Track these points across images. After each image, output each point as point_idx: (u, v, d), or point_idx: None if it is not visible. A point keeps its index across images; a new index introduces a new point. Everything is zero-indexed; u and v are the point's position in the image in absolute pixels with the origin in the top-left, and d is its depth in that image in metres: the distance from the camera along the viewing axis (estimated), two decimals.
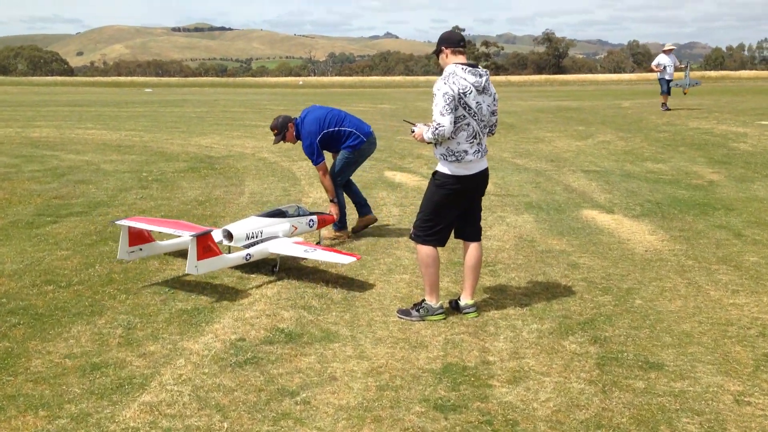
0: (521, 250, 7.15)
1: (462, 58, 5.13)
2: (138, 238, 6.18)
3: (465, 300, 5.36)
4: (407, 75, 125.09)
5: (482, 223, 7.87)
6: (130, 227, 6.10)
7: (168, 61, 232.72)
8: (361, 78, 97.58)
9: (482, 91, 5.09)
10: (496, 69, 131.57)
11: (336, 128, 7.57)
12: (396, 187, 10.77)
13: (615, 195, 9.84)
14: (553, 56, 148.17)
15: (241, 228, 6.52)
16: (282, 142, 7.60)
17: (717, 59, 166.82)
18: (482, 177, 5.24)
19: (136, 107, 30.66)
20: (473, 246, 5.36)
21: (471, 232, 5.40)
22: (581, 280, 6.16)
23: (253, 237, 6.53)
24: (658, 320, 5.21)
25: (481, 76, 5.07)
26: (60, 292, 5.91)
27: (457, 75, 5.00)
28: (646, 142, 15.46)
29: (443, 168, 5.14)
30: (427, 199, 5.24)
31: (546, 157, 13.77)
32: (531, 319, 5.25)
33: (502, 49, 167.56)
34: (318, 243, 7.30)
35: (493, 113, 5.24)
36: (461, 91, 4.97)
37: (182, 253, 6.72)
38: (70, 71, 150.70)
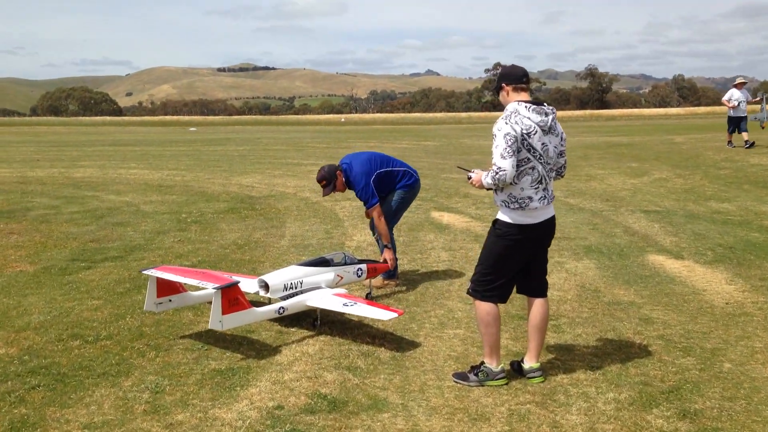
0: (585, 301, 6.52)
1: (525, 96, 4.62)
2: (168, 288, 5.76)
3: (530, 363, 4.76)
4: (448, 111, 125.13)
5: None
6: (158, 277, 5.67)
7: (213, 100, 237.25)
8: (402, 115, 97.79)
9: (548, 131, 4.56)
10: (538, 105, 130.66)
11: (388, 168, 7.14)
12: (444, 229, 10.22)
13: (681, 238, 9.14)
14: (596, 91, 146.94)
15: (278, 278, 6.01)
16: (332, 192, 7.07)
17: (766, 92, 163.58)
18: (548, 226, 4.69)
19: (180, 146, 30.81)
20: (538, 302, 4.78)
21: (536, 286, 4.81)
22: (657, 337, 5.51)
23: (291, 288, 6.00)
24: (754, 389, 4.53)
25: (547, 114, 4.55)
26: (86, 348, 5.46)
27: (520, 114, 4.48)
28: (706, 180, 14.68)
29: (505, 216, 4.60)
30: (487, 250, 4.70)
31: (600, 196, 13.10)
32: (606, 386, 4.62)
33: (544, 84, 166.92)
34: (368, 294, 6.78)
35: (560, 154, 4.71)
36: (525, 131, 4.44)
37: None
38: (119, 111, 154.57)
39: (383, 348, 5.40)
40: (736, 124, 20.21)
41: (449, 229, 10.17)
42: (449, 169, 18.44)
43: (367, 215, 7.23)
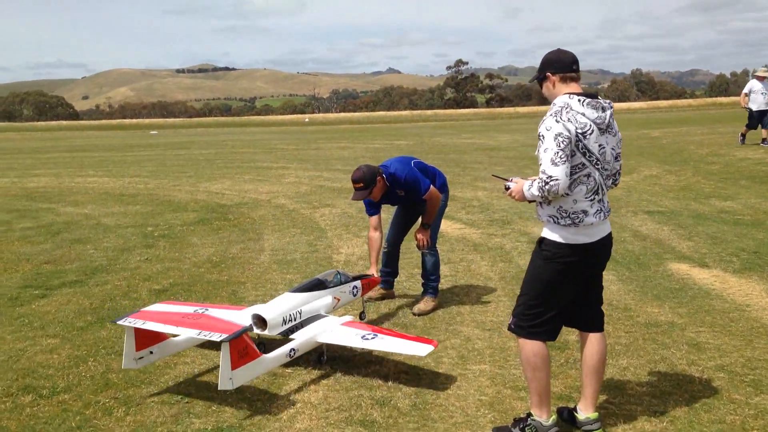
0: (619, 322, 5.73)
1: (575, 87, 3.79)
2: (147, 338, 4.78)
3: (586, 413, 3.93)
4: (412, 109, 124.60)
5: None
6: (135, 328, 4.69)
7: (173, 102, 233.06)
8: (366, 114, 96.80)
9: (606, 129, 3.74)
10: (501, 101, 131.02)
11: (419, 161, 6.36)
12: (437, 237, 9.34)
13: (698, 243, 8.42)
14: None
15: (275, 310, 5.10)
16: (367, 197, 6.08)
17: (721, 86, 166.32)
18: (605, 245, 3.86)
19: (141, 151, 29.50)
20: (595, 338, 3.95)
21: (591, 318, 3.99)
22: (716, 369, 4.73)
23: (290, 321, 5.13)
24: None
25: (604, 109, 3.73)
26: (40, 405, 4.50)
27: (572, 110, 3.65)
28: (700, 176, 14.07)
29: (553, 234, 3.76)
30: (532, 277, 3.86)
31: None
32: None
33: (506, 80, 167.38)
34: (361, 315, 5.96)
35: (616, 158, 3.89)
36: (580, 131, 3.62)
37: (203, 346, 5.33)
38: (76, 115, 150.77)
39: (400, 393, 4.54)
40: (759, 119, 18.20)
41: (443, 238, 9.31)
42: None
43: (420, 241, 6.34)
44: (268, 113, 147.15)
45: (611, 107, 3.76)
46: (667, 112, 62.89)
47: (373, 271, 6.23)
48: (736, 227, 9.23)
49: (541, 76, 3.87)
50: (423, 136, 33.78)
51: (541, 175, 3.59)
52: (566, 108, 3.66)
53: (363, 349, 5.06)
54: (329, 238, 9.53)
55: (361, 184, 5.93)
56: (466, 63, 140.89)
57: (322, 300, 5.47)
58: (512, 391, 4.50)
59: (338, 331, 5.02)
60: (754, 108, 18.11)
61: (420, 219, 6.43)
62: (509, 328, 3.93)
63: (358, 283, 5.90)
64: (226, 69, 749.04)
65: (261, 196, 13.65)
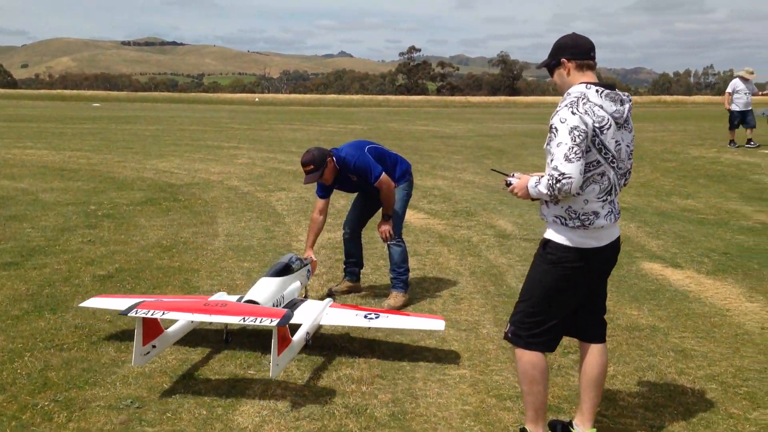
0: None
1: (592, 76, 3.44)
2: (151, 331, 4.35)
3: (583, 427, 3.61)
4: (364, 94, 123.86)
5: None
6: (144, 319, 4.21)
7: (117, 75, 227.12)
8: (317, 96, 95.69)
9: (623, 124, 3.40)
10: (452, 90, 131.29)
11: (378, 146, 6.06)
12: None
13: (667, 242, 8.24)
14: (507, 78, 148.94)
15: (264, 295, 4.92)
16: (318, 180, 5.77)
17: (664, 84, 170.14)
18: (614, 250, 3.54)
19: (83, 123, 28.27)
20: (596, 350, 3.62)
21: (593, 328, 3.66)
22: (707, 379, 4.48)
23: (278, 306, 5.01)
24: None
25: (623, 102, 3.38)
26: None
27: (590, 101, 3.29)
28: (658, 173, 14.04)
29: (559, 237, 3.41)
30: (534, 281, 3.50)
31: None
32: None
33: (457, 69, 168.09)
34: (330, 293, 6.03)
35: (629, 156, 3.55)
36: (597, 125, 3.26)
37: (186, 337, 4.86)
38: (14, 84, 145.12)
39: (376, 400, 4.15)
40: (741, 118, 17.72)
41: (407, 228, 8.92)
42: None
43: (383, 233, 6.03)
44: (217, 91, 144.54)
45: (630, 100, 3.42)
46: None
47: (310, 255, 5.97)
48: (701, 227, 9.11)
49: (554, 62, 3.49)
50: (377, 121, 33.34)
51: (551, 172, 3.23)
52: (583, 99, 3.30)
53: (369, 329, 4.99)
54: (287, 224, 9.07)
55: (312, 167, 5.66)
56: (419, 50, 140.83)
57: (294, 284, 5.38)
58: (497, 400, 4.15)
59: (338, 312, 4.97)
60: (737, 109, 17.66)
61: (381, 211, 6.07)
62: (505, 337, 3.57)
63: (309, 266, 5.82)
64: (174, 43, 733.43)
65: (212, 177, 13.04)
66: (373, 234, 8.35)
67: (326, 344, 4.98)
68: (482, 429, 3.81)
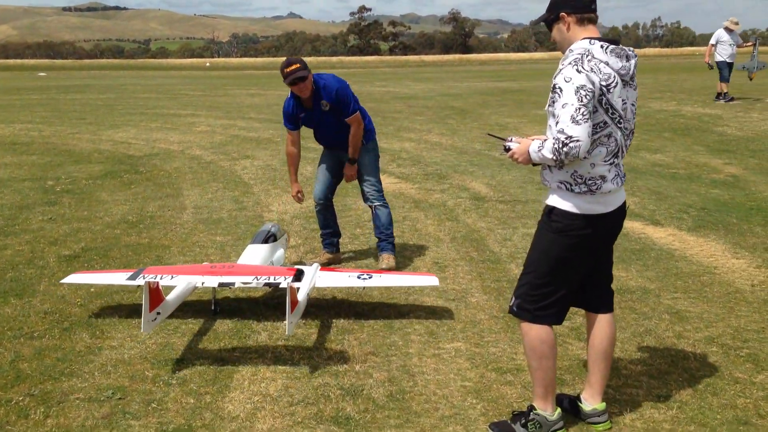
0: None
1: (594, 30, 3.24)
2: (156, 297, 4.20)
3: (592, 403, 3.49)
4: (316, 56, 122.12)
5: (508, 242, 6.18)
6: (150, 284, 4.07)
7: (59, 43, 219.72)
8: (269, 59, 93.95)
9: (628, 82, 3.21)
10: (405, 49, 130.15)
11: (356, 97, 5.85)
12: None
13: (642, 198, 8.18)
14: (459, 36, 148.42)
15: (257, 262, 4.96)
16: (300, 83, 5.44)
17: (614, 38, 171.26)
18: (620, 215, 3.37)
19: (31, 94, 27.20)
20: (604, 320, 3.48)
21: (600, 298, 3.51)
22: (707, 341, 4.40)
23: None
24: None
25: (628, 58, 3.20)
26: None
27: (595, 57, 3.09)
28: None
29: (565, 203, 3.23)
30: (539, 251, 3.33)
31: None
32: (695, 428, 3.43)
33: (409, 28, 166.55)
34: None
35: (633, 115, 3.37)
36: (604, 83, 3.07)
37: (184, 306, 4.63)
38: None
39: (371, 380, 3.97)
40: (729, 69, 17.08)
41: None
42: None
43: (350, 178, 5.98)
44: (166, 56, 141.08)
45: (635, 56, 3.23)
46: None
47: (296, 189, 5.99)
48: (674, 182, 9.09)
49: (551, 17, 3.27)
50: None
51: (557, 135, 3.03)
52: (587, 55, 3.10)
53: (365, 288, 4.95)
54: (256, 194, 8.77)
55: (298, 65, 5.44)
56: (369, 9, 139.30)
57: (280, 251, 5.31)
58: (497, 374, 4.01)
59: (330, 275, 4.92)
60: (720, 59, 16.92)
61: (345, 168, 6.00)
62: (511, 311, 3.41)
63: (286, 235, 5.74)
64: (117, 8, 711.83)
65: (172, 146, 12.60)
66: (346, 201, 8.15)
67: (311, 320, 4.78)
68: (485, 407, 3.66)
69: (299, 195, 6.02)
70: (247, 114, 18.07)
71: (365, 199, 6.07)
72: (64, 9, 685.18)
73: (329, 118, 5.69)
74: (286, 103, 5.78)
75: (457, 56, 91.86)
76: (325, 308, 5.02)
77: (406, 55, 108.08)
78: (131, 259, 6.15)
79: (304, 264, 5.93)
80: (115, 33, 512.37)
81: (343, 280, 4.88)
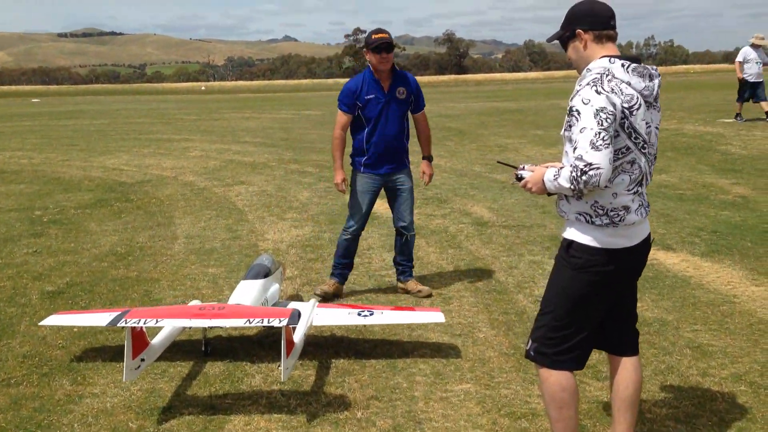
0: None
1: (613, 48, 2.97)
2: (140, 342, 3.89)
3: None
4: (311, 78, 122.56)
5: (515, 270, 5.89)
6: (133, 329, 3.76)
7: (55, 68, 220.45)
8: (265, 82, 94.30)
9: (652, 103, 2.94)
10: (400, 70, 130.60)
11: None
12: (371, 219, 8.37)
13: (652, 222, 7.84)
14: (454, 56, 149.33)
15: (249, 300, 4.54)
16: (386, 53, 5.32)
17: (635, 56, 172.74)
18: (645, 249, 3.09)
19: (23, 121, 26.96)
20: (630, 364, 3.18)
21: (624, 338, 3.21)
22: (734, 380, 4.09)
23: None
24: None
25: (651, 78, 2.92)
26: None
27: (616, 77, 2.82)
28: None
29: (585, 237, 2.94)
30: (558, 290, 3.03)
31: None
32: None
33: (404, 49, 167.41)
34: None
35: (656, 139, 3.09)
36: (626, 105, 2.80)
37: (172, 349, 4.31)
38: None
39: (375, 428, 3.65)
40: (752, 90, 16.20)
41: (378, 220, 8.42)
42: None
43: (429, 177, 5.94)
44: (161, 81, 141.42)
45: (659, 75, 2.96)
46: (563, 82, 64.06)
47: (341, 176, 5.57)
48: (682, 203, 8.81)
49: (567, 34, 3.01)
50: (331, 105, 32.51)
51: (576, 162, 2.75)
52: (607, 75, 2.83)
53: (366, 326, 4.73)
54: (251, 222, 8.47)
55: (388, 35, 5.34)
56: (364, 31, 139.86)
57: (274, 286, 4.95)
58: (510, 420, 3.70)
59: (329, 312, 4.63)
60: (748, 79, 16.11)
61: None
62: (528, 356, 3.10)
63: (281, 268, 5.36)
64: (113, 33, 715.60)
65: (165, 173, 12.32)
66: (338, 227, 7.84)
67: (308, 360, 4.47)
68: None
69: (344, 184, 5.63)
70: (242, 138, 17.81)
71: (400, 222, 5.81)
72: (60, 35, 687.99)
73: (397, 110, 5.48)
74: (356, 79, 5.49)
75: (452, 77, 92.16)
76: (324, 346, 4.71)
77: None
78: (118, 295, 5.83)
79: (301, 298, 5.65)
80: (111, 58, 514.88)
81: (342, 317, 4.57)
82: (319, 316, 4.55)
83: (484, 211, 8.76)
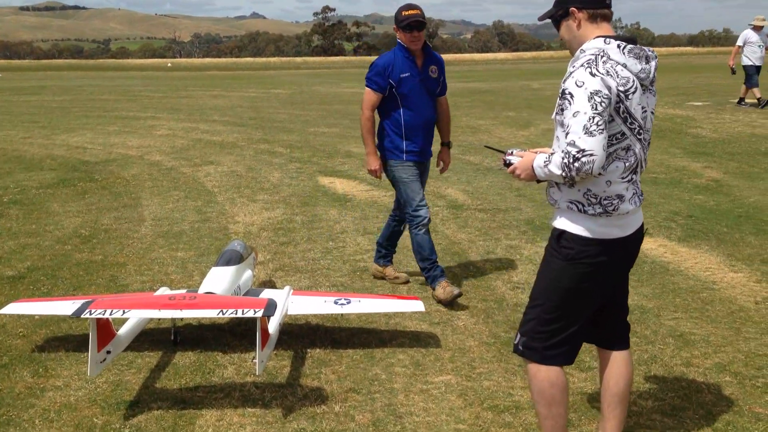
0: None
1: (608, 28, 2.83)
2: (106, 334, 3.68)
3: None
4: (280, 56, 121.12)
5: (492, 255, 5.75)
6: (99, 320, 3.54)
7: (16, 42, 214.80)
8: (233, 59, 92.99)
9: (648, 87, 2.81)
10: (369, 49, 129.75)
11: None
12: (344, 201, 8.30)
13: None
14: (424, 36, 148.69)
15: (222, 287, 4.29)
16: (417, 31, 4.98)
17: (631, 37, 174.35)
18: (638, 239, 2.97)
19: None
20: (620, 358, 3.07)
21: (614, 332, 3.11)
22: (718, 369, 4.03)
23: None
24: None
25: (648, 59, 2.78)
26: None
27: (611, 59, 2.68)
28: None
29: (576, 227, 2.81)
30: (548, 282, 2.90)
31: None
32: None
33: (373, 29, 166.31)
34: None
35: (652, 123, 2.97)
36: (622, 88, 2.66)
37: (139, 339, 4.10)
38: None
39: (353, 423, 3.52)
40: (758, 73, 15.53)
41: (351, 202, 8.28)
42: (314, 121, 16.41)
43: (447, 166, 5.70)
44: (126, 57, 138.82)
45: (656, 57, 2.82)
46: (533, 63, 64.29)
47: (377, 162, 5.22)
48: (656, 187, 8.78)
49: (560, 12, 2.85)
50: (300, 84, 32.22)
51: (568, 148, 2.61)
52: (602, 56, 2.68)
53: (342, 315, 4.60)
54: (220, 204, 8.24)
55: (419, 11, 4.99)
56: (333, 10, 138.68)
57: (247, 273, 4.72)
58: (493, 414, 3.58)
59: (304, 300, 4.44)
60: (749, 63, 15.39)
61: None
62: (516, 350, 2.98)
63: (253, 254, 5.12)
64: (76, 7, 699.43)
65: (131, 152, 11.97)
66: (316, 212, 7.67)
67: (283, 350, 4.31)
68: None
69: (380, 171, 5.28)
70: (210, 116, 17.44)
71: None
72: (21, 8, 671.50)
73: (429, 88, 5.17)
74: (387, 56, 5.12)
75: None
76: (299, 335, 4.55)
77: (370, 55, 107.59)
78: (82, 280, 5.60)
79: (274, 284, 5.48)
80: (74, 33, 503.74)
81: (318, 305, 4.40)
82: (294, 304, 4.39)
83: (458, 193, 8.63)
